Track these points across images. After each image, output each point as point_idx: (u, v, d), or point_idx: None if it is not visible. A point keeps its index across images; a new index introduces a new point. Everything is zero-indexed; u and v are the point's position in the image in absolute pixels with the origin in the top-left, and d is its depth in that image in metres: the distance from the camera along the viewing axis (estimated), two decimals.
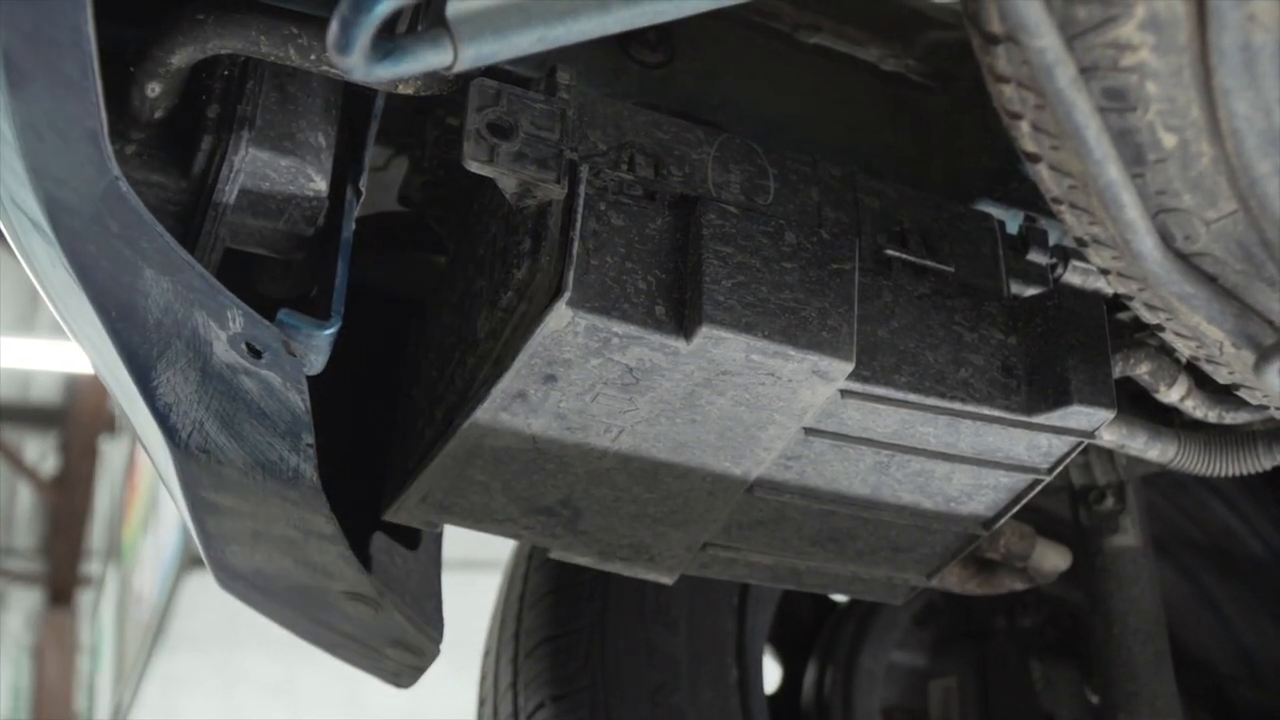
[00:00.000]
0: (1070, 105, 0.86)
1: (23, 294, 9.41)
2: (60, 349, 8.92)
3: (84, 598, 12.20)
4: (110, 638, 9.38)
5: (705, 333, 1.08)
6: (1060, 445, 1.27)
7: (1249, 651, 2.28)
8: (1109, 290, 1.30)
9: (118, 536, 9.63)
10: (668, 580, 1.46)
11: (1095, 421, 1.22)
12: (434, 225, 1.49)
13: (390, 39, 0.81)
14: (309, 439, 1.18)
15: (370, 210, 1.53)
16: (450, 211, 1.46)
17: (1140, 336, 1.38)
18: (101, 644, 10.09)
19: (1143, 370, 1.36)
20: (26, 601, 13.31)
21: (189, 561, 6.16)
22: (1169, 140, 0.88)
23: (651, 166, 1.16)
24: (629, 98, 1.31)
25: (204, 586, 5.19)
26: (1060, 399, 1.19)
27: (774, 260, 1.12)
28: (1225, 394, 1.38)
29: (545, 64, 1.19)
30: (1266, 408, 1.30)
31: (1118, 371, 1.33)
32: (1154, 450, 1.41)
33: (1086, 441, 1.26)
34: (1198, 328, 1.05)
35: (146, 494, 8.23)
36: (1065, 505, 1.94)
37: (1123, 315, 1.43)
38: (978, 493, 1.34)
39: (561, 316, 1.06)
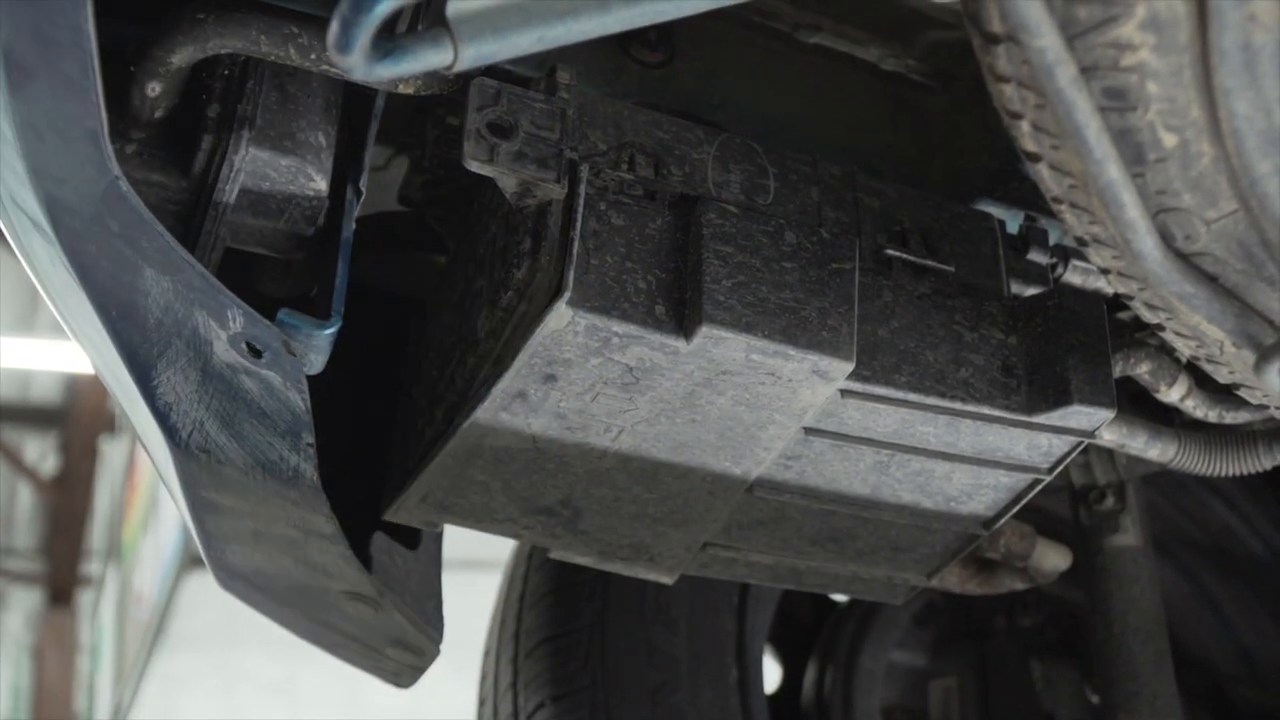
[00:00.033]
0: (1071, 105, 0.86)
1: (23, 294, 9.41)
2: (60, 349, 8.92)
3: (84, 598, 12.20)
4: (110, 638, 9.38)
5: (705, 332, 1.08)
6: (1060, 445, 1.27)
7: (1249, 651, 2.28)
8: (1109, 290, 1.30)
9: (118, 536, 9.63)
10: (668, 580, 1.46)
11: (1095, 421, 1.22)
12: (434, 225, 1.49)
13: (390, 39, 0.81)
14: (309, 439, 1.18)
15: (370, 210, 1.53)
16: (450, 211, 1.46)
17: (1140, 336, 1.38)
18: (101, 644, 10.09)
19: (1143, 370, 1.36)
20: (26, 601, 13.31)
21: (189, 561, 6.16)
22: (1169, 140, 0.88)
23: (651, 166, 1.16)
24: (629, 97, 1.31)
25: (204, 586, 5.19)
26: (1060, 399, 1.19)
27: (774, 260, 1.12)
28: (1225, 394, 1.38)
29: (545, 64, 1.19)
30: (1266, 407, 1.30)
31: (1118, 371, 1.33)
32: (1154, 450, 1.41)
33: (1087, 441, 1.26)
34: (1198, 327, 1.05)
35: (146, 494, 8.23)
36: (1065, 505, 1.94)
37: (1123, 315, 1.43)
38: (978, 492, 1.34)
39: (561, 316, 1.06)
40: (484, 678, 2.01)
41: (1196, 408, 1.39)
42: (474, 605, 2.62)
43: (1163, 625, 1.83)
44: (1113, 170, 0.90)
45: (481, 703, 1.99)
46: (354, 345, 1.25)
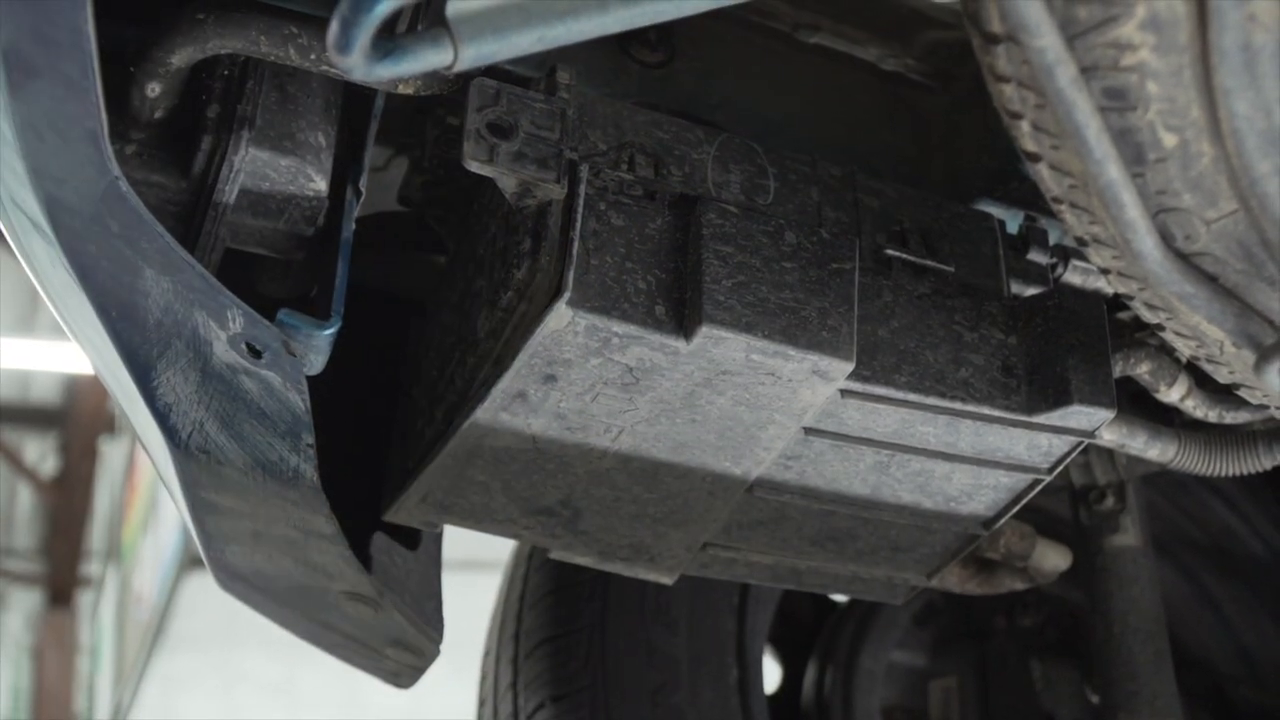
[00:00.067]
0: (1071, 105, 0.86)
1: (23, 294, 9.41)
2: (60, 349, 8.91)
3: (84, 598, 12.20)
4: (110, 638, 9.38)
5: (705, 332, 1.08)
6: (1060, 445, 1.27)
7: (1249, 651, 2.28)
8: (1109, 290, 1.30)
9: (117, 537, 9.63)
10: (668, 580, 1.46)
11: (1095, 421, 1.22)
12: (434, 225, 1.49)
13: (390, 39, 0.81)
14: (309, 439, 1.18)
15: (370, 210, 1.53)
16: (450, 211, 1.46)
17: (1140, 336, 1.38)
18: (101, 644, 10.09)
19: (1143, 370, 1.36)
20: (26, 602, 13.31)
21: (189, 561, 6.16)
22: (1169, 140, 0.88)
23: (651, 166, 1.16)
24: (629, 97, 1.31)
25: (204, 586, 5.19)
26: (1060, 399, 1.19)
27: (774, 260, 1.12)
28: (1225, 394, 1.38)
29: (545, 64, 1.19)
30: (1266, 407, 1.30)
31: (1118, 371, 1.33)
32: (1154, 450, 1.41)
33: (1087, 441, 1.26)
34: (1198, 327, 1.05)
35: (146, 494, 8.23)
36: (1065, 505, 1.94)
37: (1123, 315, 1.43)
38: (978, 492, 1.34)
39: (561, 316, 1.06)
40: (484, 678, 2.01)
41: (1196, 408, 1.39)
42: (474, 605, 2.62)
43: (1163, 625, 1.83)
44: (1113, 170, 0.90)
45: (481, 703, 1.99)
46: (354, 345, 1.25)
